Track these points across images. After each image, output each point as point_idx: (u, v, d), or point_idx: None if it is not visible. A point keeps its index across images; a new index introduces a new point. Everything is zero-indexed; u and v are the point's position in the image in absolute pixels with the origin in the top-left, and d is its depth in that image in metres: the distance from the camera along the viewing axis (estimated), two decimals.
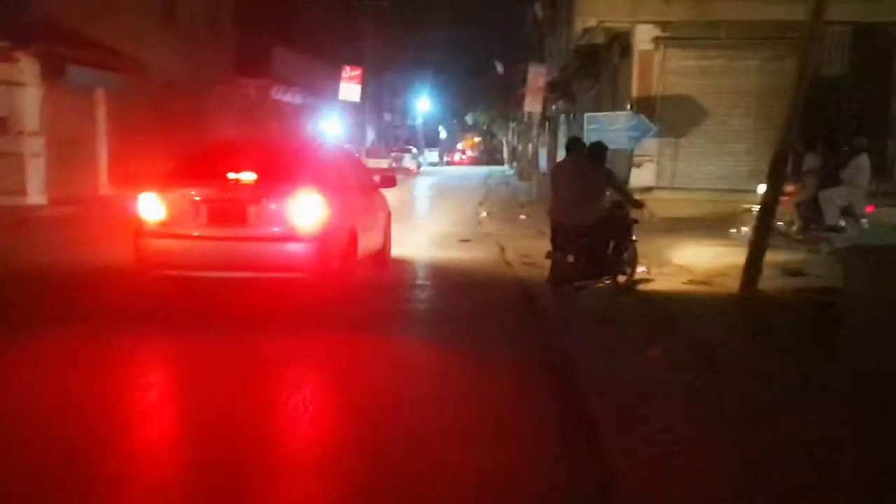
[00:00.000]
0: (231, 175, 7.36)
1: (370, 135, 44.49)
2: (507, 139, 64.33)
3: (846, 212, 11.68)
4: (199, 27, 23.42)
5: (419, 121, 64.13)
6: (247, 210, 7.15)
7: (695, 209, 14.98)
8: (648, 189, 15.46)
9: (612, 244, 8.30)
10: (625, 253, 8.51)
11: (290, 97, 30.29)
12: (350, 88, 32.40)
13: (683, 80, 15.80)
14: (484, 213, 19.00)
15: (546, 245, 8.53)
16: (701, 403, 4.77)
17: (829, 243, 11.31)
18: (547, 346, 6.47)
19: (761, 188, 9.06)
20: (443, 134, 75.68)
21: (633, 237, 8.68)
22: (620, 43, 16.93)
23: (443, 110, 72.21)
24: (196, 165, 7.91)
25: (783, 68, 15.71)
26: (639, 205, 8.59)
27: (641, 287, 8.75)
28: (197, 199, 7.21)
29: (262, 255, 7.17)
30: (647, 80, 16.01)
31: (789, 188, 11.83)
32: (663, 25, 15.70)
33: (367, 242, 8.75)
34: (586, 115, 15.36)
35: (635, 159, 15.77)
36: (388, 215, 10.24)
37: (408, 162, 44.06)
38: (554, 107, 30.49)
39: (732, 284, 8.57)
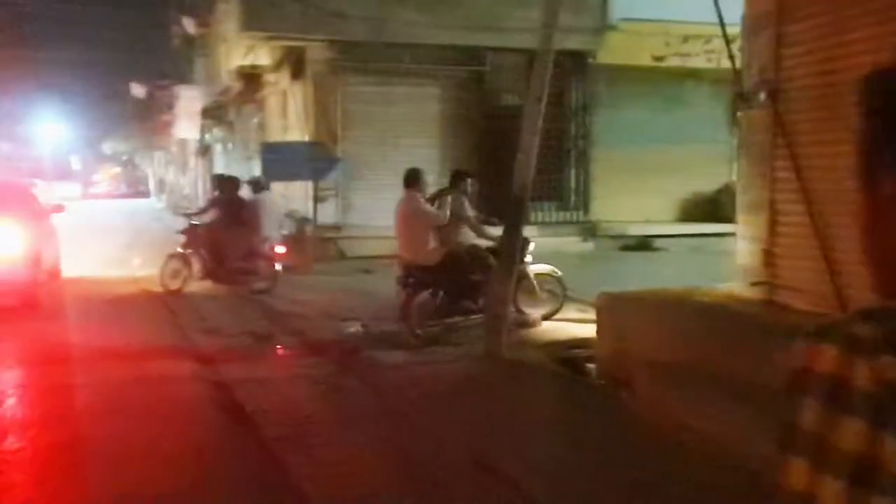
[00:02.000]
0: None
1: None
2: (152, 169, 59.19)
3: None
4: None
5: (47, 151, 56.33)
6: None
7: (387, 247, 13.70)
8: (336, 227, 13.95)
9: (471, 282, 8.02)
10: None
11: None
12: None
13: (364, 106, 14.49)
14: (137, 261, 15.92)
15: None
16: None
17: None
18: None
19: None
20: (76, 165, 67.60)
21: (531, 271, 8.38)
22: (292, 64, 15.24)
23: (76, 139, 64.52)
24: None
25: (464, 96, 15.23)
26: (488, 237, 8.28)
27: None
28: None
29: None
30: (324, 107, 14.46)
31: None
32: (341, 46, 14.24)
33: (47, 258, 10.62)
34: (263, 143, 13.39)
35: (319, 193, 14.06)
36: (57, 236, 11.89)
37: None
38: (208, 135, 27.89)
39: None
